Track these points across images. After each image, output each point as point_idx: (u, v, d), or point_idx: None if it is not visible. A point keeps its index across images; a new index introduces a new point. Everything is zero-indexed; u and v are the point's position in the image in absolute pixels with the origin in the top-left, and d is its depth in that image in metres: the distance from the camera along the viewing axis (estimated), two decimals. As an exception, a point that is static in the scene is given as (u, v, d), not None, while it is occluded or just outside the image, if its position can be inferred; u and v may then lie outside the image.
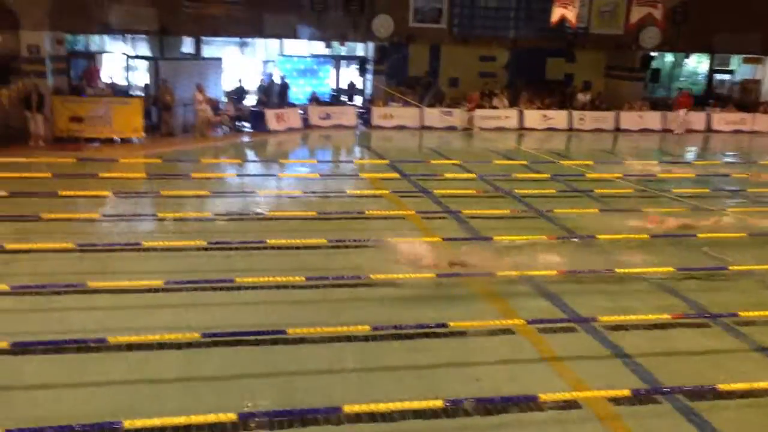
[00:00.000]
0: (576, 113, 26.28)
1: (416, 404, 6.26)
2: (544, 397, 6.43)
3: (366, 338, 7.73)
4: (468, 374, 7.16)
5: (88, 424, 5.64)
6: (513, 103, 26.26)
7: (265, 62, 26.14)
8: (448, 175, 15.93)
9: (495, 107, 25.97)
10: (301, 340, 7.58)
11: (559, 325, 8.37)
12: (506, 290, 9.41)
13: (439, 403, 6.25)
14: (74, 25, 19.79)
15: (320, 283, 9.26)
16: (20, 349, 7.07)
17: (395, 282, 9.37)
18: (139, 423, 5.68)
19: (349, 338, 7.71)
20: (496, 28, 25.68)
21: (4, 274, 9.18)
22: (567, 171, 17.02)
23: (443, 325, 7.95)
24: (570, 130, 26.03)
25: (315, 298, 8.93)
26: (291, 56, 26.11)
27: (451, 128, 24.74)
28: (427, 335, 7.87)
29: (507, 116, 25.81)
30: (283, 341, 7.55)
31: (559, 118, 26.09)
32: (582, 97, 26.94)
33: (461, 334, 7.98)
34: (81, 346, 7.20)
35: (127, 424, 5.63)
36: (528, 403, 6.49)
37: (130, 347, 7.28)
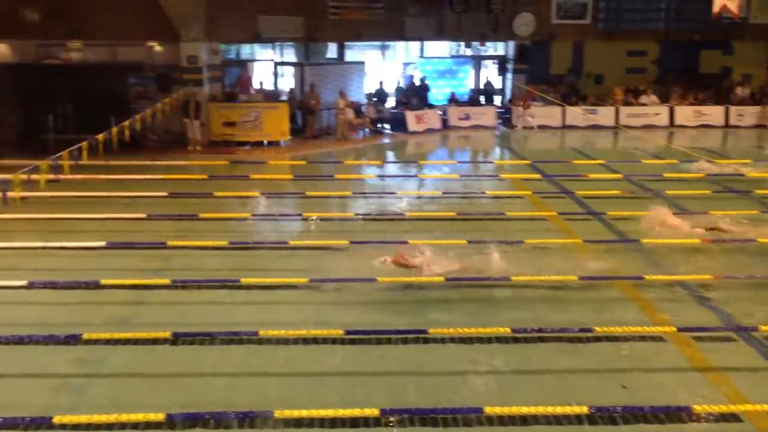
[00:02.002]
0: (734, 109, 24.62)
1: (559, 409, 6.11)
2: (698, 408, 6.08)
3: (507, 340, 7.63)
4: (614, 381, 6.89)
5: (242, 412, 5.96)
6: (663, 99, 25.00)
7: (406, 64, 26.46)
8: (592, 176, 15.42)
9: (643, 104, 24.83)
10: (442, 340, 7.61)
11: (714, 333, 7.87)
12: (657, 295, 8.97)
13: (583, 409, 6.07)
14: (228, 35, 20.96)
15: (460, 284, 9.24)
16: (180, 339, 7.57)
17: (537, 284, 9.19)
18: (288, 413, 5.93)
19: (489, 340, 7.65)
20: (646, 21, 24.56)
21: (165, 268, 9.89)
22: (723, 171, 15.99)
23: (589, 330, 7.70)
24: (726, 126, 24.42)
25: (453, 298, 8.93)
26: (431, 58, 26.26)
27: (595, 127, 23.91)
28: (571, 339, 7.65)
29: (656, 113, 24.60)
30: (424, 340, 7.61)
31: (714, 114, 24.56)
32: (740, 92, 25.17)
33: (608, 339, 7.68)
34: (233, 338, 7.61)
35: (277, 413, 5.89)
36: (680, 414, 6.15)
37: (279, 341, 7.61)
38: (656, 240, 10.90)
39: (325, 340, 7.61)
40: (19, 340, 7.42)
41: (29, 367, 7.06)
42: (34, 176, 11.25)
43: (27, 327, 7.82)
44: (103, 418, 5.89)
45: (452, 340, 7.62)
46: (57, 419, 5.86)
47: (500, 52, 26.38)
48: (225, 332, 7.67)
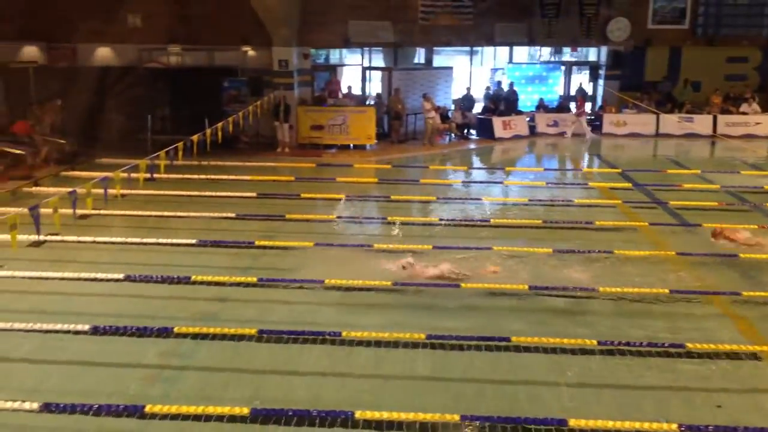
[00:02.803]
0: (842, 119, 23.20)
1: (647, 425, 5.90)
2: (798, 433, 5.76)
3: (593, 351, 7.44)
4: (708, 400, 6.61)
5: (323, 411, 6.05)
6: (765, 108, 23.81)
7: (494, 70, 26.24)
8: (686, 186, 14.86)
9: (744, 113, 23.73)
10: (526, 349, 7.49)
11: (817, 355, 7.45)
12: (754, 312, 8.56)
13: (672, 427, 5.85)
14: (319, 40, 21.33)
15: (543, 293, 9.08)
16: (265, 336, 7.74)
17: (626, 295, 8.92)
18: (368, 415, 5.97)
19: (573, 351, 7.48)
20: (747, 26, 23.48)
21: (252, 267, 10.14)
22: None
23: (680, 346, 7.43)
24: (834, 137, 23.06)
25: (538, 307, 8.78)
26: (520, 63, 25.94)
27: (691, 136, 23.03)
28: (661, 354, 7.39)
29: (758, 122, 23.45)
30: (505, 348, 7.52)
31: (820, 124, 23.22)
32: None
33: (701, 355, 7.38)
34: (317, 338, 7.72)
35: (358, 414, 5.94)
36: (778, 438, 5.85)
37: (360, 343, 7.67)
38: (756, 255, 10.40)
39: (406, 344, 7.62)
40: (116, 331, 7.76)
41: (124, 357, 7.37)
42: (133, 175, 11.74)
43: (123, 318, 8.20)
44: (191, 409, 6.09)
45: (536, 349, 7.50)
46: (149, 408, 6.10)
47: (592, 58, 25.80)
48: (309, 331, 7.79)
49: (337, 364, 7.29)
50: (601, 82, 25.21)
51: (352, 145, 20.88)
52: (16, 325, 7.76)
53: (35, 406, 6.05)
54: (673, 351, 7.41)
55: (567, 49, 24.96)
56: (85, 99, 18.88)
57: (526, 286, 9.10)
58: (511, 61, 25.95)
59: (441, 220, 12.70)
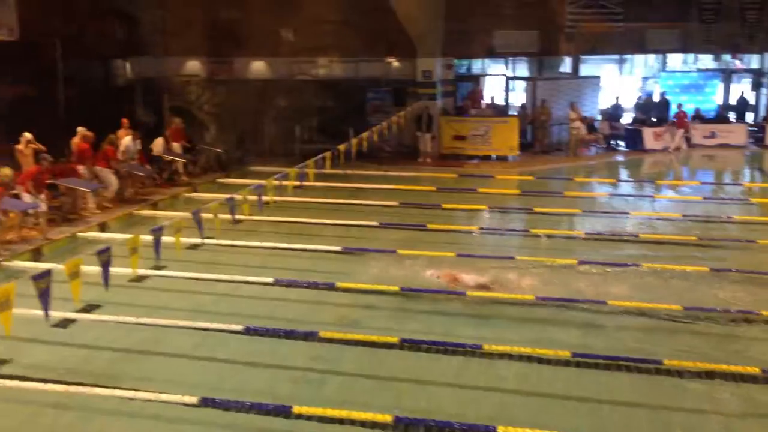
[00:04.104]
0: None
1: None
2: None
3: (756, 379, 6.92)
4: None
5: (466, 424, 6.01)
6: None
7: (645, 78, 25.15)
8: None
9: None
10: (678, 373, 7.10)
11: None
12: None
13: None
14: (463, 51, 21.36)
15: (700, 315, 8.56)
16: (407, 345, 7.79)
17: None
18: (510, 430, 5.86)
19: (735, 377, 6.99)
20: None
21: (394, 276, 10.22)
22: None
23: None
24: None
25: (695, 330, 8.29)
26: (673, 71, 24.69)
27: None
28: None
29: None
30: (656, 371, 7.16)
31: None
32: None
33: None
34: (458, 350, 7.70)
35: (500, 429, 5.85)
36: None
37: (502, 356, 7.57)
38: None
39: (549, 361, 7.44)
40: (265, 332, 8.11)
41: (273, 358, 7.69)
42: (284, 182, 12.23)
43: (272, 320, 8.55)
44: (336, 413, 6.24)
45: (689, 373, 7.08)
46: (296, 409, 6.31)
47: (755, 65, 24.12)
48: (450, 343, 7.78)
49: (478, 377, 7.23)
50: (765, 91, 23.49)
51: (494, 155, 20.70)
52: (179, 323, 8.29)
53: (194, 400, 6.42)
54: None
55: (726, 56, 23.46)
56: (239, 109, 20.03)
57: (681, 307, 8.62)
58: (663, 69, 24.75)
59: (587, 233, 12.29)
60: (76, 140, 14.09)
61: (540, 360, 7.45)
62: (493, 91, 23.45)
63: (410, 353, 7.72)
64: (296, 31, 20.85)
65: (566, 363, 7.39)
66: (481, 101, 22.65)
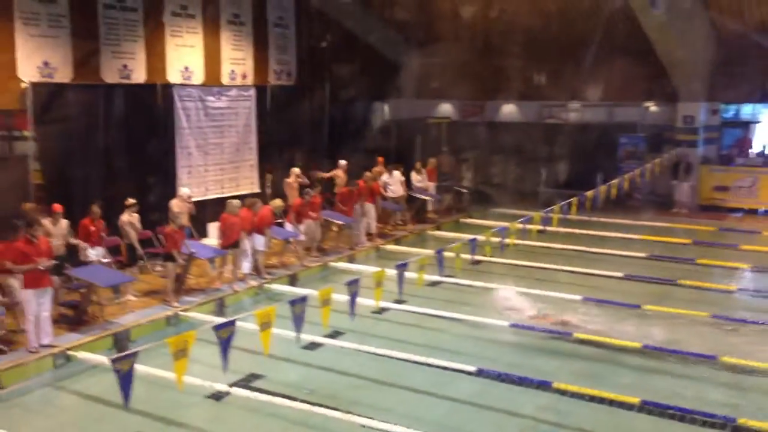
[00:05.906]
0: None
1: None
2: None
3: None
4: None
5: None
6: None
7: None
8: None
9: None
10: None
11: None
12: None
13: None
14: (731, 95, 19.74)
15: None
16: (648, 407, 7.30)
17: None
18: None
19: None
20: None
21: (637, 332, 9.63)
22: None
23: None
24: None
25: None
26: None
27: None
28: None
29: None
30: None
31: None
32: None
33: None
34: (706, 420, 7.04)
35: None
36: None
37: (758, 433, 6.79)
38: None
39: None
40: (497, 376, 8.07)
41: (503, 403, 7.62)
42: (527, 226, 12.13)
43: (505, 365, 8.46)
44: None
45: None
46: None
47: None
48: (697, 411, 7.15)
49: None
50: None
51: (762, 209, 18.75)
52: (414, 357, 8.56)
53: (417, 435, 6.56)
54: None
55: None
56: (487, 151, 20.36)
57: None
58: None
59: None
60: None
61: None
62: (764, 139, 21.32)
63: (652, 417, 7.23)
64: (549, 75, 20.77)
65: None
66: (749, 150, 20.71)
